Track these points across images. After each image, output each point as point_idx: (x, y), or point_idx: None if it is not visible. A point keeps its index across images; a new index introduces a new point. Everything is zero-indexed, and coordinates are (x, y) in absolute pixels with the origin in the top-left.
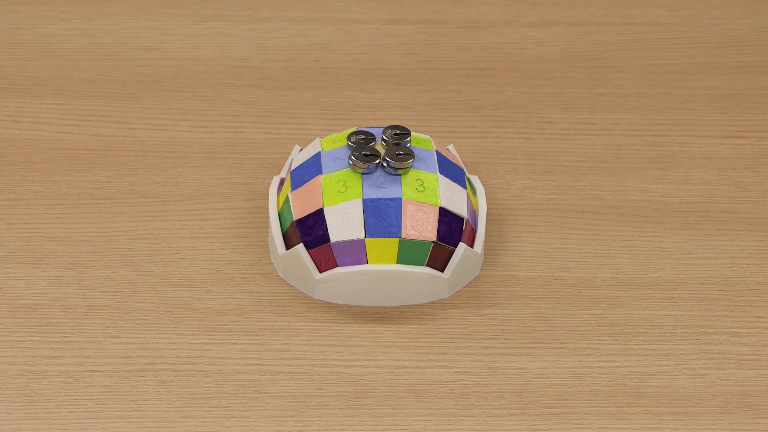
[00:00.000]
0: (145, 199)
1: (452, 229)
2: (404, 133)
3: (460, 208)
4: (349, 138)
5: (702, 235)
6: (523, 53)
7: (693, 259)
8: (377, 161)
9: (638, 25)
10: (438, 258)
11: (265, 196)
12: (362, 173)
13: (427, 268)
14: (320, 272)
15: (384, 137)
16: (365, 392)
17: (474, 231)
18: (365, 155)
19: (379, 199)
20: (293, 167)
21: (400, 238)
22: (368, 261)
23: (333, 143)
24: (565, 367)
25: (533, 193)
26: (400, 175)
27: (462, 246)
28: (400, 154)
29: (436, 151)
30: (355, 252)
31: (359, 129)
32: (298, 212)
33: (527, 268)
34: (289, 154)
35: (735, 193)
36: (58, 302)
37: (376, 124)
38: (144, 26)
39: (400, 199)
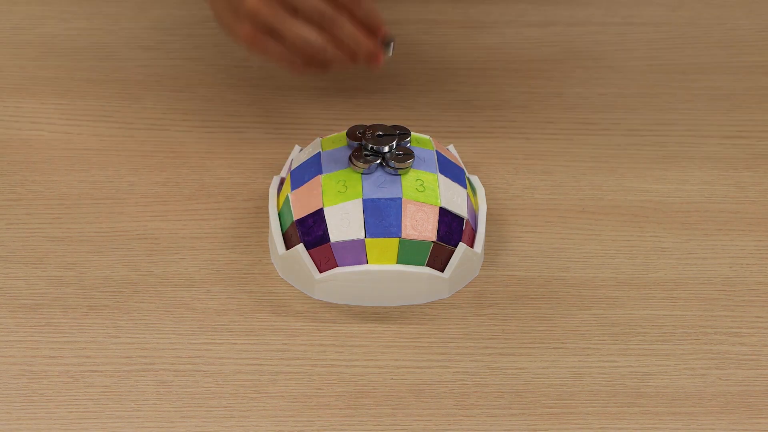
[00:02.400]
0: (145, 199)
1: (452, 229)
2: (404, 133)
3: (460, 208)
4: (348, 134)
5: (702, 235)
6: (523, 53)
7: (693, 259)
8: (377, 161)
9: (638, 25)
10: (438, 258)
11: (265, 196)
12: (362, 173)
13: (427, 268)
14: (320, 272)
15: None
16: (365, 392)
17: (474, 231)
18: (365, 155)
19: (379, 199)
20: (293, 167)
21: (400, 238)
22: (368, 261)
23: (333, 143)
24: (565, 367)
25: (533, 193)
26: (400, 175)
27: (462, 246)
28: (400, 154)
29: (436, 151)
30: (355, 252)
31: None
32: (298, 212)
33: (527, 268)
34: (289, 154)
35: (735, 193)
36: (58, 302)
37: None
38: (144, 26)
39: (400, 199)
